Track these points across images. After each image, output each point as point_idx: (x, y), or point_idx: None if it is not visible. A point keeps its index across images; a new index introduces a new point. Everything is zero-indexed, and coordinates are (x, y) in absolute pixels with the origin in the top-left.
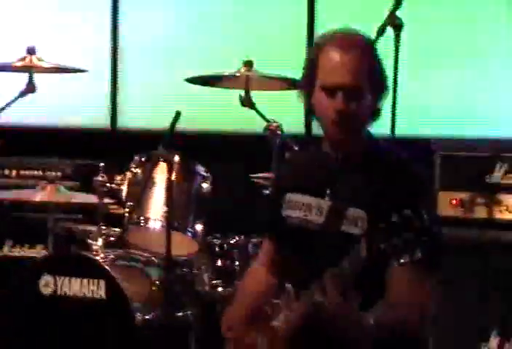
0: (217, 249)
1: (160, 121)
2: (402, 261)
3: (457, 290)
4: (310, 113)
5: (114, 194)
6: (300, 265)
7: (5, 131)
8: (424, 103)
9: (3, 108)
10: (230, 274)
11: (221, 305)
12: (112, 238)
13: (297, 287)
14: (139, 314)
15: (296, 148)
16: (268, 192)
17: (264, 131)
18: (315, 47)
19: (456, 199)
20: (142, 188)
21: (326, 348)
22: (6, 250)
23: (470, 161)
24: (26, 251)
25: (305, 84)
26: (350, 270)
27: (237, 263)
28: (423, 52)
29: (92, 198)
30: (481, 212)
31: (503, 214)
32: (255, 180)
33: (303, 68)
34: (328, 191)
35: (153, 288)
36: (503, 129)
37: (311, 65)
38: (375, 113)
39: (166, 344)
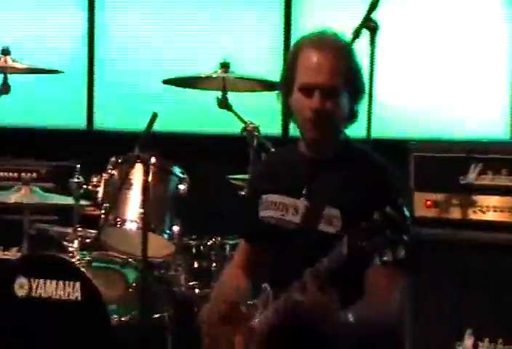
0: (193, 250)
1: (137, 123)
2: (385, 259)
3: (431, 290)
4: (287, 114)
5: (90, 195)
6: (278, 264)
7: None
8: (400, 105)
9: None
10: (206, 275)
11: (198, 306)
12: (88, 240)
13: (275, 287)
14: (115, 316)
15: (272, 149)
16: (243, 193)
17: (241, 132)
18: (293, 49)
19: (430, 200)
20: (118, 190)
21: (303, 346)
22: None
23: (445, 162)
24: (1, 253)
25: (284, 86)
26: (331, 268)
27: (214, 264)
28: (399, 54)
29: (67, 200)
30: (455, 213)
31: (477, 215)
32: (232, 181)
33: (282, 70)
34: (304, 191)
35: (130, 289)
36: (477, 131)
37: (290, 67)
38: (352, 115)
39: (142, 345)
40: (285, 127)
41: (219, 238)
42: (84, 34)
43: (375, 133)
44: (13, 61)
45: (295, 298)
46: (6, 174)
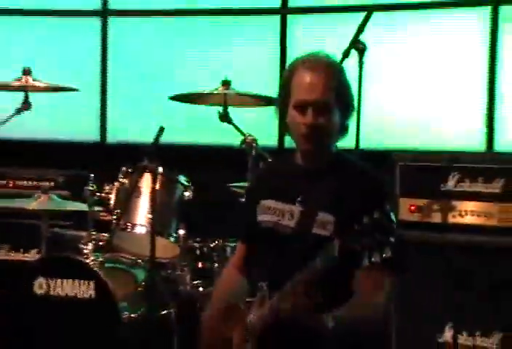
0: (197, 251)
1: (146, 136)
2: (373, 259)
3: (414, 287)
4: (284, 129)
5: (103, 202)
6: (275, 266)
7: (3, 144)
8: (388, 119)
9: (0, 124)
10: (209, 275)
11: (201, 303)
12: (101, 243)
13: (272, 286)
14: (125, 312)
15: (270, 160)
16: (243, 199)
17: (241, 144)
18: (288, 69)
19: (414, 205)
20: (128, 197)
21: (295, 343)
22: (3, 254)
23: (427, 171)
24: (21, 255)
25: (280, 103)
26: (322, 269)
27: (216, 265)
28: (387, 71)
29: (82, 206)
30: (436, 217)
31: (456, 219)
32: (232, 189)
33: (278, 89)
34: (299, 198)
35: (139, 288)
36: (456, 142)
37: (285, 86)
38: (343, 129)
39: (150, 339)
40: (281, 139)
41: (221, 241)
42: (97, 56)
43: (365, 144)
44: (33, 80)
45: (280, 306)
46: (26, 183)
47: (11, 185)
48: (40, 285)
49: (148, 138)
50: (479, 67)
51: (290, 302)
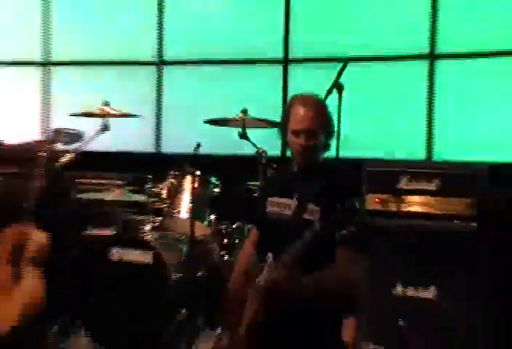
0: (224, 231)
1: (188, 148)
2: (342, 232)
3: (378, 259)
4: (285, 147)
5: (158, 195)
6: (277, 241)
7: (90, 155)
8: (358, 135)
9: (88, 141)
10: (232, 248)
11: (226, 268)
12: (156, 224)
13: (276, 255)
14: (173, 274)
15: (274, 166)
16: (256, 195)
17: (255, 154)
18: (287, 104)
19: (378, 198)
20: (175, 192)
21: (283, 303)
22: (90, 230)
23: (387, 174)
24: (102, 232)
25: (282, 129)
26: (309, 239)
27: (237, 241)
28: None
29: (143, 198)
30: (393, 207)
31: (407, 208)
32: (248, 186)
33: (281, 118)
34: (295, 195)
35: (183, 257)
36: (405, 154)
37: (285, 117)
38: (327, 147)
39: (190, 293)
40: (283, 151)
41: (240, 224)
42: (153, 93)
43: (345, 155)
44: (111, 109)
45: (271, 276)
46: (106, 181)
47: (96, 183)
48: (114, 253)
49: (189, 150)
50: (421, 96)
51: (278, 272)
